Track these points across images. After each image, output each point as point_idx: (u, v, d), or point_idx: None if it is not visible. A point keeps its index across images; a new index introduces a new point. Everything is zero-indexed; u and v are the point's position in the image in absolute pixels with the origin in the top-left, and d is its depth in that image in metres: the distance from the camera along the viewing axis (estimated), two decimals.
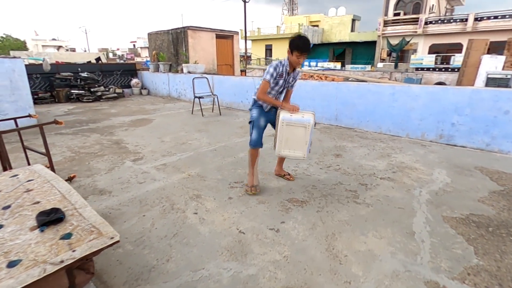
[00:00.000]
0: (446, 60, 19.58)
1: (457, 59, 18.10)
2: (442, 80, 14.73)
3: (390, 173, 3.26)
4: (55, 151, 4.04)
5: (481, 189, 2.86)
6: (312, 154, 3.92)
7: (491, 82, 8.27)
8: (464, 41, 19.61)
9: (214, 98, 7.01)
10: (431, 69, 19.04)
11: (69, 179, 3.03)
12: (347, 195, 2.74)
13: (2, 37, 40.57)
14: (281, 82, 2.64)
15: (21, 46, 41.10)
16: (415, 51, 22.53)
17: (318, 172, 3.32)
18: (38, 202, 1.59)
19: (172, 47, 10.23)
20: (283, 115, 2.55)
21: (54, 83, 8.75)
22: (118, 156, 3.84)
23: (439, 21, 21.45)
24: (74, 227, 1.38)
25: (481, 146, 4.05)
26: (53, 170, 2.87)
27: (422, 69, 19.41)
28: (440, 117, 4.33)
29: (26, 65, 9.07)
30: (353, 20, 30.89)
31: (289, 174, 3.16)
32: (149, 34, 11.12)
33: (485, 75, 8.68)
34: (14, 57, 5.19)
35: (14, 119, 3.04)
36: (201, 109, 6.77)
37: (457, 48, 20.72)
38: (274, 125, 2.84)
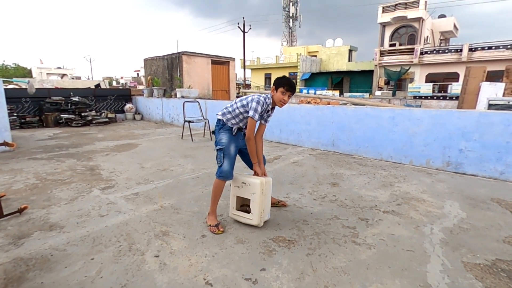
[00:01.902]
0: (443, 88, 19.69)
1: (454, 88, 18.19)
2: (442, 107, 14.59)
3: (394, 206, 2.81)
4: (19, 178, 3.62)
5: (503, 226, 2.41)
6: (306, 182, 3.50)
7: (493, 108, 8.01)
8: (460, 70, 19.87)
9: (205, 123, 6.70)
10: (429, 97, 19.07)
11: (19, 211, 2.59)
12: (345, 233, 2.28)
13: (11, 65, 41.71)
14: (265, 116, 2.46)
15: (27, 74, 42.10)
16: (412, 79, 22.77)
17: (311, 203, 2.88)
18: None
19: (167, 72, 10.15)
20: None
21: (44, 107, 8.52)
22: (87, 184, 3.42)
23: (434, 51, 21.88)
24: None
25: (494, 174, 3.63)
26: None
27: (420, 97, 19.45)
28: (446, 142, 3.95)
29: (16, 88, 8.94)
30: (350, 51, 31.70)
31: (281, 201, 2.81)
32: (145, 60, 11.12)
33: (486, 102, 8.44)
34: None
35: None
36: (190, 134, 6.43)
37: (454, 77, 20.94)
38: (243, 153, 2.55)
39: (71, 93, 9.20)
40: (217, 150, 2.37)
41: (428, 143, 4.10)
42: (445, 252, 2.02)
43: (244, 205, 2.51)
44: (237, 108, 2.33)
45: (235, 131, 2.39)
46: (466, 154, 3.81)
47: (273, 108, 2.47)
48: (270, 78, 34.43)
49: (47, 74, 46.13)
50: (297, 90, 28.87)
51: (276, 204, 2.77)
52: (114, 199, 2.96)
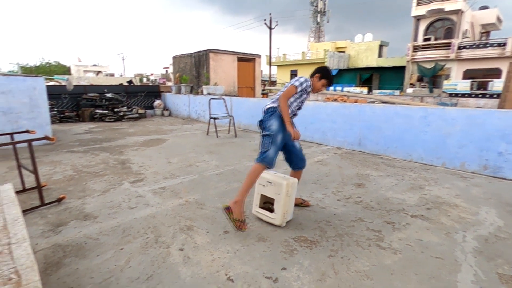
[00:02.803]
0: (483, 85, 18.33)
1: (496, 85, 16.88)
2: (480, 106, 13.63)
3: (423, 210, 2.69)
4: (58, 169, 3.90)
5: None
6: (330, 182, 3.44)
7: None
8: (503, 66, 18.40)
9: (230, 120, 6.79)
10: (466, 95, 17.88)
11: (58, 200, 2.79)
12: (369, 236, 2.22)
13: (52, 63, 44.73)
14: (304, 97, 2.49)
15: (66, 71, 44.94)
16: (448, 76, 21.43)
17: (334, 204, 2.83)
18: None
19: (194, 69, 10.38)
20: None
21: (81, 103, 9.07)
22: (118, 177, 3.60)
23: (474, 46, 20.40)
24: None
25: None
26: (39, 189, 2.65)
27: (457, 94, 18.29)
28: (484, 144, 3.70)
29: (55, 85, 9.57)
30: (381, 46, 30.43)
31: (305, 201, 2.79)
32: (174, 58, 11.43)
33: None
34: (36, 76, 5.32)
35: (11, 134, 2.92)
36: (216, 130, 6.54)
37: (495, 73, 19.43)
38: (287, 150, 2.56)
39: (105, 90, 9.70)
40: (264, 136, 2.35)
41: (464, 144, 3.86)
42: (479, 261, 1.90)
43: (267, 202, 2.52)
44: (286, 88, 2.38)
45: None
46: (506, 157, 3.54)
47: (308, 93, 2.51)
48: (296, 75, 33.99)
49: (84, 71, 48.94)
50: None
51: (299, 204, 2.75)
52: (143, 192, 3.10)
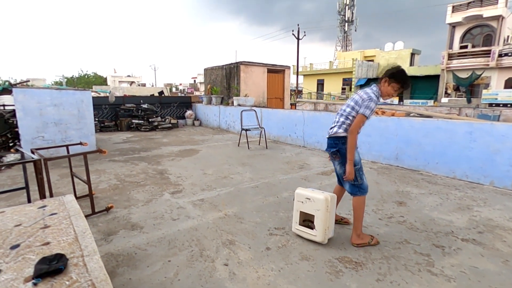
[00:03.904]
0: None
1: None
2: None
3: (475, 234, 2.53)
4: (103, 178, 4.14)
5: None
6: (369, 199, 3.33)
7: None
8: None
9: (261, 131, 6.85)
10: (509, 105, 16.70)
11: (107, 209, 2.96)
12: (418, 260, 2.13)
13: (91, 74, 47.96)
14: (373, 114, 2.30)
15: (103, 82, 47.94)
16: (487, 85, 20.19)
17: (376, 223, 2.75)
18: (47, 243, 1.41)
19: (225, 81, 10.64)
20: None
21: (119, 113, 9.60)
22: (158, 187, 3.75)
23: None
24: (71, 283, 1.14)
25: None
26: (91, 198, 2.83)
27: (498, 105, 17.13)
28: None
29: (97, 96, 10.23)
30: (412, 54, 29.46)
31: (343, 218, 2.75)
32: (205, 70, 11.82)
33: None
34: (84, 89, 5.73)
35: (67, 146, 3.16)
36: (247, 141, 6.63)
37: None
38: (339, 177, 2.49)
39: (141, 101, 10.21)
40: (351, 182, 2.31)
41: None
42: None
43: (306, 220, 2.51)
44: (350, 114, 2.26)
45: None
46: None
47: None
48: (322, 84, 33.72)
49: (119, 82, 51.89)
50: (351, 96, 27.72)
51: (339, 221, 2.70)
52: (183, 203, 3.20)
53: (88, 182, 2.79)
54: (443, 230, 2.60)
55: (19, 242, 1.43)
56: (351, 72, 29.32)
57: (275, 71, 11.01)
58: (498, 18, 19.79)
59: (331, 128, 2.39)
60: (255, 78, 10.21)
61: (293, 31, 23.07)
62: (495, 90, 19.00)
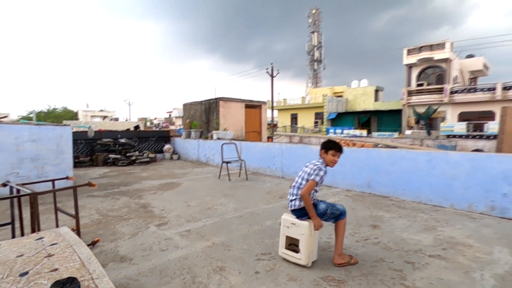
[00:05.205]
0: (479, 127, 19.01)
1: (491, 126, 17.52)
2: (479, 147, 14.03)
3: (439, 250, 2.84)
4: (84, 213, 4.08)
5: None
6: (347, 224, 3.58)
7: None
8: (495, 108, 19.27)
9: (241, 163, 7.08)
10: (463, 136, 18.43)
11: (93, 243, 2.95)
12: (392, 275, 2.36)
13: (61, 109, 46.49)
14: (324, 179, 2.63)
15: (74, 116, 46.55)
16: (443, 118, 22.28)
17: (354, 245, 2.98)
18: (56, 270, 1.49)
19: (204, 115, 10.97)
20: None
21: (95, 148, 9.46)
22: (143, 220, 3.77)
23: (465, 90, 21.56)
24: None
25: None
26: (79, 233, 2.83)
27: (454, 136, 18.84)
28: (488, 186, 3.93)
29: (73, 132, 10.05)
30: (376, 91, 32.02)
31: (352, 257, 2.76)
32: (184, 105, 12.14)
33: None
34: (65, 125, 5.74)
35: (52, 180, 3.18)
36: (228, 174, 6.79)
37: (489, 115, 20.25)
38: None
39: (119, 135, 10.16)
40: (330, 218, 2.60)
41: (469, 186, 4.10)
42: None
43: (291, 244, 2.69)
44: (303, 184, 2.55)
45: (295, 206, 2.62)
46: (510, 199, 3.75)
47: (326, 171, 2.65)
48: (296, 118, 35.24)
49: (91, 116, 50.67)
50: (324, 129, 29.16)
51: (347, 262, 2.62)
52: (170, 235, 3.26)
53: (76, 216, 2.81)
54: (412, 249, 2.88)
55: (27, 270, 1.50)
56: (322, 106, 31.06)
57: (253, 106, 11.57)
58: (446, 60, 22.48)
59: (291, 201, 2.63)
60: (234, 113, 10.65)
61: (267, 69, 24.50)
62: (451, 123, 20.99)
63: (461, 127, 19.28)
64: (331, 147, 2.62)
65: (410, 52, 23.87)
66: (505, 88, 19.71)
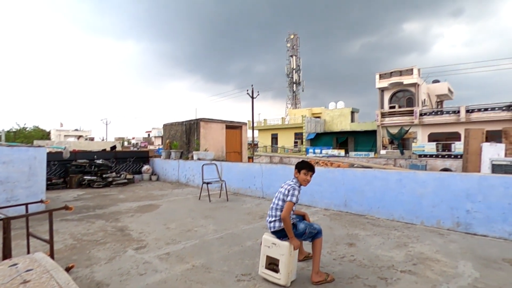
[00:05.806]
0: (447, 147, 20.24)
1: (458, 146, 18.72)
2: (447, 166, 14.88)
3: (410, 266, 3.00)
4: (57, 238, 3.91)
5: None
6: (324, 243, 3.70)
7: (497, 168, 8.30)
8: (460, 130, 20.65)
9: (222, 184, 7.09)
10: (433, 156, 19.48)
11: (67, 270, 2.85)
12: None
13: (32, 128, 44.37)
14: (299, 198, 2.77)
15: (45, 136, 44.53)
16: (415, 139, 23.53)
17: (331, 263, 3.08)
18: None
19: (185, 136, 10.97)
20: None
21: (70, 169, 9.12)
22: (120, 244, 3.69)
23: (433, 113, 23.06)
24: None
25: (503, 235, 3.81)
26: (52, 259, 2.74)
27: (425, 155, 19.88)
28: (453, 203, 4.22)
29: (47, 153, 9.67)
30: (352, 112, 33.47)
31: (310, 253, 3.05)
32: (164, 125, 12.09)
33: (489, 162, 8.80)
34: (39, 146, 5.57)
35: (26, 204, 3.09)
36: (208, 195, 6.77)
37: (455, 136, 21.65)
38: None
39: (95, 156, 9.89)
40: (308, 237, 2.73)
41: (436, 204, 4.37)
42: None
43: (271, 263, 2.74)
44: (283, 207, 2.65)
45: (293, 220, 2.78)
46: (473, 215, 4.05)
47: (300, 191, 2.80)
48: (276, 138, 35.82)
49: (65, 136, 48.74)
50: (303, 149, 29.76)
51: (308, 256, 3.07)
52: (149, 258, 3.21)
53: (51, 241, 2.73)
54: (385, 265, 3.02)
55: None
56: (302, 127, 31.88)
57: (233, 127, 11.74)
58: (415, 85, 24.09)
59: (270, 222, 2.74)
60: (214, 134, 10.74)
61: (247, 90, 25.05)
62: (421, 143, 22.20)
63: (431, 147, 20.43)
64: (303, 167, 2.77)
65: (382, 76, 25.40)
66: (468, 111, 21.29)
